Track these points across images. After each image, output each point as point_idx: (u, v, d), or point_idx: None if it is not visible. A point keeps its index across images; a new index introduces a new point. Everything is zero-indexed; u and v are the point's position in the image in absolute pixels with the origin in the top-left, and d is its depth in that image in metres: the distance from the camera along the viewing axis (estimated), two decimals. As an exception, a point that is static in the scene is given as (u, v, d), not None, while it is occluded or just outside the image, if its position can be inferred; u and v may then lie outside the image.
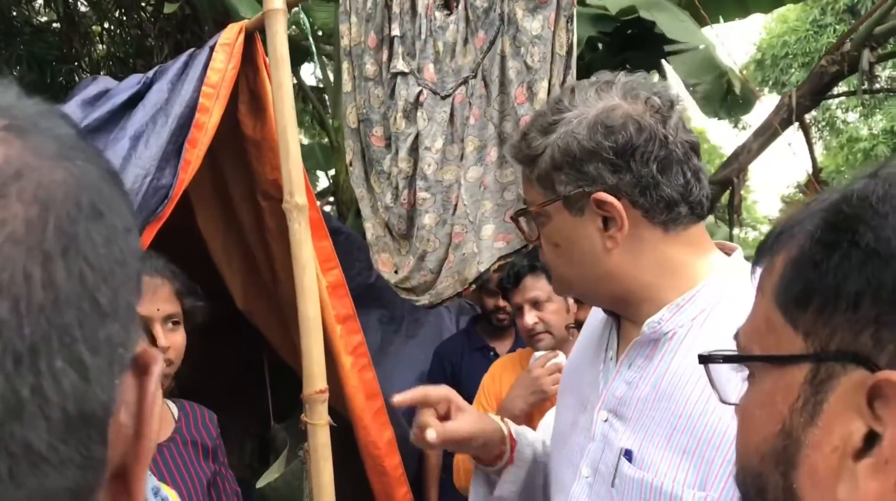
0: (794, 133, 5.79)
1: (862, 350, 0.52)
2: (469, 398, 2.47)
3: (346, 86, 2.29)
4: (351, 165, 2.31)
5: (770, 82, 15.04)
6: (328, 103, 6.14)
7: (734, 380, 0.69)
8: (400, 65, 2.15)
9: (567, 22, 1.87)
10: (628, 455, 1.08)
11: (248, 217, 2.46)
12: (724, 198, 5.95)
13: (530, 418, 2.24)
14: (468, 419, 1.30)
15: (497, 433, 1.34)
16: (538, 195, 1.15)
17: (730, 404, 0.69)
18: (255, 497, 2.94)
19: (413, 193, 2.17)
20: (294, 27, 5.99)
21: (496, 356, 2.88)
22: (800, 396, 0.55)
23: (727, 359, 0.67)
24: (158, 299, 1.63)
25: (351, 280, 3.13)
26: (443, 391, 1.31)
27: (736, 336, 0.66)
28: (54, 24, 6.74)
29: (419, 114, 2.13)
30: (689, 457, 1.01)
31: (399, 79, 2.16)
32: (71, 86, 5.28)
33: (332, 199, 6.08)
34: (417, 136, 2.15)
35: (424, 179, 2.12)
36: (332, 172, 6.22)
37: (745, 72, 14.78)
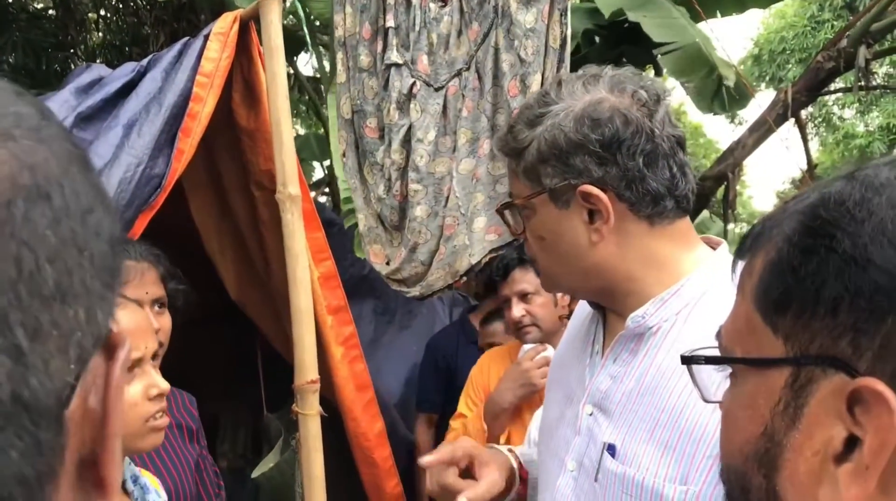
0: (789, 129, 5.79)
1: (841, 356, 0.52)
2: (462, 389, 2.48)
3: (341, 77, 2.29)
4: (344, 156, 2.31)
5: (767, 78, 15.05)
6: (324, 93, 6.13)
7: (716, 378, 0.70)
8: (394, 56, 2.15)
9: (561, 15, 1.87)
10: (611, 449, 1.09)
11: (242, 207, 2.46)
12: (719, 193, 5.95)
13: (519, 411, 2.25)
14: (494, 473, 1.30)
15: (508, 469, 1.35)
16: (524, 188, 1.15)
17: (712, 402, 0.70)
18: (249, 487, 2.95)
19: (405, 184, 2.17)
20: (291, 17, 5.97)
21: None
22: (781, 399, 0.56)
23: (709, 360, 0.67)
24: (146, 282, 1.64)
25: (344, 271, 3.14)
26: (467, 447, 1.32)
27: (718, 335, 0.66)
28: (50, 11, 6.71)
29: (412, 105, 2.13)
30: (671, 452, 1.01)
31: (393, 70, 2.16)
32: (66, 73, 5.25)
33: (327, 189, 6.08)
34: (410, 127, 2.15)
35: (416, 170, 2.12)
36: (327, 162, 6.21)
37: (741, 67, 14.79)
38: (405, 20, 2.15)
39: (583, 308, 1.32)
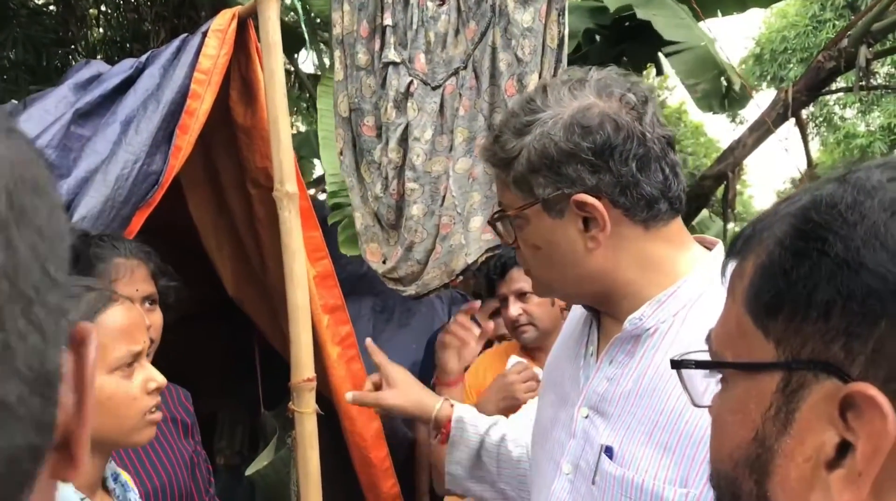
0: (790, 129, 5.78)
1: (833, 360, 0.52)
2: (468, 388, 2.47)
3: (338, 75, 2.29)
4: (341, 154, 2.31)
5: (769, 77, 15.03)
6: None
7: (706, 382, 0.69)
8: (391, 55, 2.14)
9: (559, 15, 1.86)
10: (609, 451, 1.08)
11: (239, 205, 2.46)
12: (719, 192, 5.95)
13: None
14: (391, 394, 1.56)
15: (427, 413, 1.53)
16: (515, 198, 1.13)
17: (702, 406, 0.69)
18: (245, 484, 2.95)
19: (402, 183, 2.16)
20: (292, 14, 5.97)
21: (490, 346, 2.87)
22: (772, 404, 0.55)
23: (699, 365, 0.66)
24: (136, 279, 1.64)
25: (342, 269, 3.13)
26: (384, 366, 1.60)
27: (708, 339, 0.65)
28: (50, 7, 6.70)
29: (409, 104, 2.12)
30: (671, 454, 1.01)
31: (390, 69, 2.15)
32: (67, 69, 5.25)
33: (326, 186, 6.07)
34: (407, 126, 2.15)
35: (413, 169, 2.12)
36: (327, 159, 6.19)
37: (743, 66, 14.79)
38: (403, 18, 2.15)
39: (577, 309, 1.31)
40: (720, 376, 0.64)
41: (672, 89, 17.83)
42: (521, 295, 2.24)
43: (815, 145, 16.79)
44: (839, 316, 0.51)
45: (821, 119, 16.22)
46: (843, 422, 0.51)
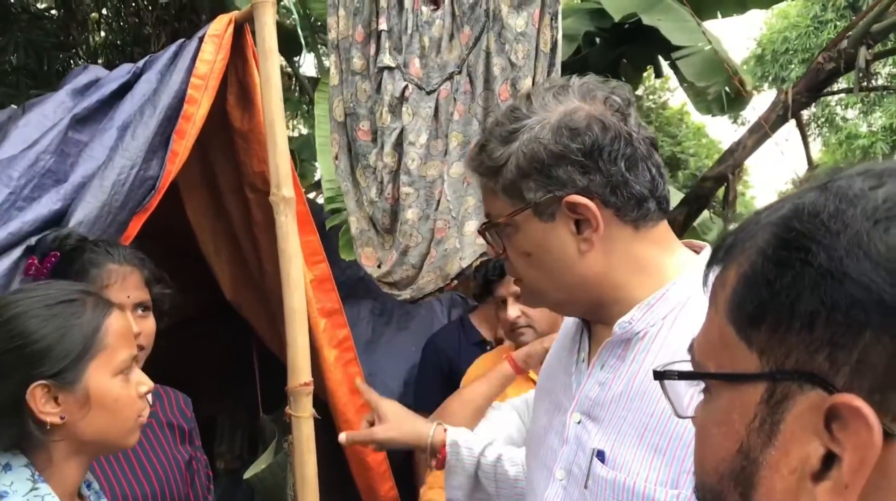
0: (792, 130, 5.78)
1: (818, 371, 0.51)
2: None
3: (334, 79, 2.29)
4: (337, 158, 2.31)
5: (770, 78, 15.03)
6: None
7: (689, 392, 0.69)
8: (386, 59, 2.15)
9: (551, 19, 1.87)
10: (600, 455, 1.08)
11: (236, 209, 2.46)
12: (720, 194, 5.94)
13: None
14: (383, 428, 1.58)
15: (423, 441, 1.53)
16: (504, 206, 1.13)
17: (685, 417, 0.69)
18: (245, 488, 2.95)
19: (397, 187, 2.17)
20: (294, 17, 5.98)
21: (492, 348, 2.87)
22: (756, 415, 0.55)
23: (682, 376, 0.66)
24: (128, 286, 1.64)
25: (341, 273, 3.13)
26: (375, 403, 1.62)
27: (691, 349, 0.65)
28: (52, 11, 6.72)
29: (404, 109, 2.13)
30: (662, 456, 1.01)
31: (385, 73, 2.16)
32: (68, 73, 5.26)
33: (323, 191, 6.08)
34: (402, 131, 2.15)
35: (408, 174, 2.12)
36: (327, 163, 6.19)
37: (744, 67, 14.76)
38: (398, 23, 2.15)
39: (570, 318, 1.32)
40: (703, 386, 0.64)
41: (674, 91, 17.83)
42: (519, 297, 2.23)
43: (817, 146, 16.78)
44: (823, 326, 0.51)
45: (822, 120, 16.21)
46: (828, 433, 0.50)
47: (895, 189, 0.53)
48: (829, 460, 0.51)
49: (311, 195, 6.72)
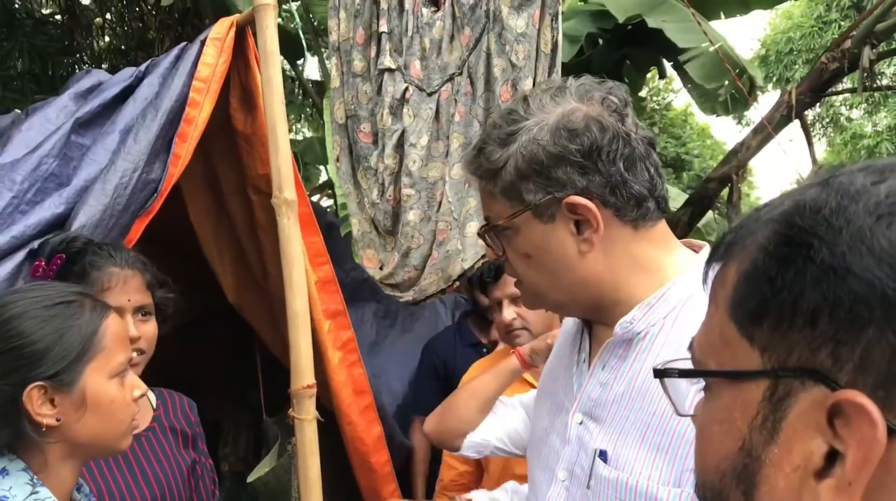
0: (796, 130, 5.77)
1: (821, 367, 0.51)
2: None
3: (335, 81, 2.29)
4: (338, 160, 2.31)
5: (774, 79, 15.01)
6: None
7: (690, 390, 0.68)
8: (387, 61, 2.15)
9: (552, 20, 1.86)
10: (603, 455, 1.08)
11: (239, 211, 2.47)
12: (724, 194, 5.94)
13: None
14: None
15: None
16: (504, 208, 1.12)
17: (686, 416, 0.69)
18: (250, 490, 2.96)
19: (398, 189, 2.17)
20: (296, 21, 5.99)
21: (489, 351, 2.87)
22: (758, 413, 0.54)
23: (683, 373, 0.65)
24: (129, 289, 1.64)
25: (346, 275, 3.13)
26: None
27: (690, 347, 0.64)
28: (56, 17, 6.75)
29: (405, 110, 2.13)
30: (664, 454, 1.01)
31: (386, 75, 2.16)
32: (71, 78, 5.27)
33: (330, 192, 6.10)
34: (403, 132, 2.15)
35: (409, 175, 2.12)
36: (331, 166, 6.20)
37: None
38: (398, 25, 2.15)
39: (570, 319, 1.32)
40: (703, 385, 0.63)
41: (678, 92, 17.81)
42: (516, 299, 2.22)
43: (821, 147, 16.74)
44: (826, 323, 0.50)
45: (827, 120, 16.18)
46: (831, 430, 0.50)
47: None
48: (832, 457, 0.50)
49: (315, 198, 6.73)
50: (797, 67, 14.34)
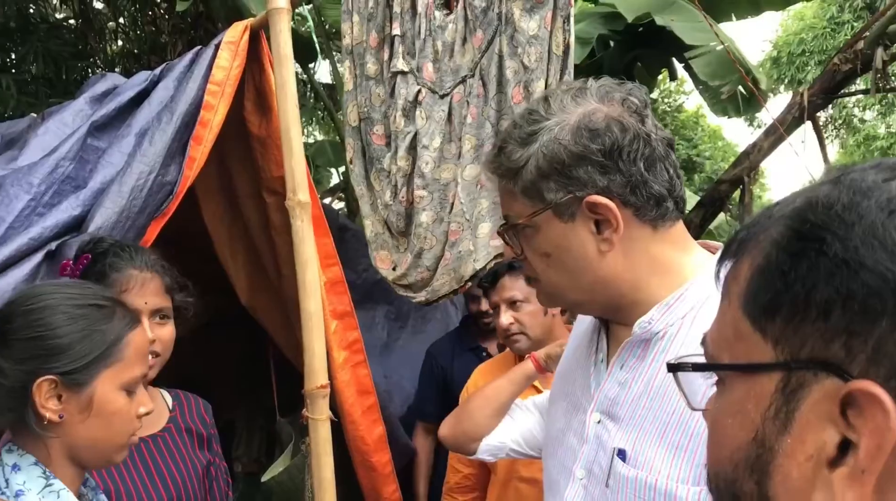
0: (808, 132, 5.74)
1: (833, 359, 0.51)
2: (458, 398, 2.47)
3: (348, 84, 2.31)
4: (351, 163, 2.33)
5: (786, 80, 14.94)
6: (340, 101, 6.15)
7: (702, 385, 0.69)
8: (400, 64, 2.16)
9: (564, 22, 1.87)
10: (622, 454, 1.09)
11: (254, 213, 2.48)
12: (737, 196, 5.92)
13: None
14: None
15: None
16: (524, 207, 1.13)
17: (698, 410, 0.70)
18: (264, 490, 2.97)
19: (411, 191, 2.18)
20: (309, 24, 6.02)
21: (488, 356, 2.85)
22: (772, 404, 0.55)
23: (696, 367, 0.66)
24: (147, 292, 1.64)
25: (358, 276, 3.15)
26: None
27: (703, 342, 0.65)
28: (70, 21, 6.81)
29: (418, 112, 2.14)
30: (683, 453, 1.02)
31: (399, 78, 2.17)
32: (85, 82, 5.30)
33: (342, 194, 6.12)
34: (416, 134, 2.16)
35: (422, 177, 2.13)
36: (342, 168, 6.23)
37: (760, 70, 14.69)
38: (411, 28, 2.17)
39: (585, 318, 1.32)
40: (715, 379, 0.64)
41: (689, 94, 17.77)
42: (513, 304, 2.22)
43: (834, 148, 16.65)
44: (839, 315, 0.51)
45: (840, 122, 16.09)
46: (843, 420, 0.51)
47: None
48: (845, 447, 0.51)
49: (327, 201, 6.75)
50: (809, 68, 14.27)
